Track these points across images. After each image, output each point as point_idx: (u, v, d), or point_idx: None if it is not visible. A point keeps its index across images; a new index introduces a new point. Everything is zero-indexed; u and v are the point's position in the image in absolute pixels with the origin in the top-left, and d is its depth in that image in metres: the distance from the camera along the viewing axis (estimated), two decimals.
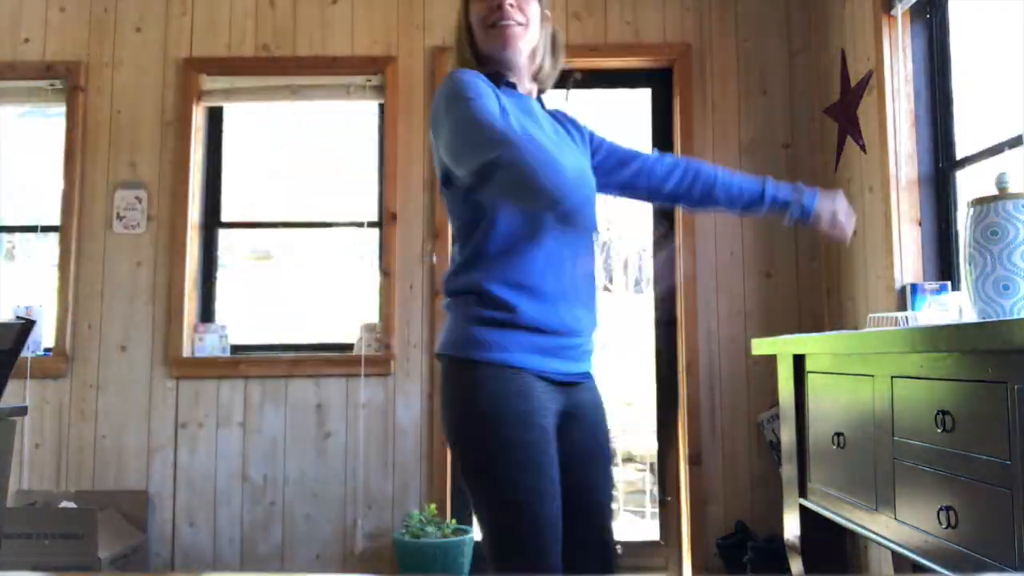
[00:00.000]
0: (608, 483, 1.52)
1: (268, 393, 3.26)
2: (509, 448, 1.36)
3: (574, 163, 1.50)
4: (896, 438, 1.65)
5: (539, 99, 1.63)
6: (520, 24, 1.50)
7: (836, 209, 1.60)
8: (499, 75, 1.54)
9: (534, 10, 1.53)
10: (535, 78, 1.60)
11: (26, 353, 3.15)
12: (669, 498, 3.34)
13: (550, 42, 1.60)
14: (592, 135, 1.67)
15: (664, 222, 3.43)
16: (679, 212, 3.32)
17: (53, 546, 2.74)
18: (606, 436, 1.54)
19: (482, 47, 1.53)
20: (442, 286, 1.52)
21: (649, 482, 4.11)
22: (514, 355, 1.40)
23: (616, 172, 1.66)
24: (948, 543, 1.45)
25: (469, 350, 1.41)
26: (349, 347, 3.36)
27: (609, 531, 1.50)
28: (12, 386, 3.13)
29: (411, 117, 3.34)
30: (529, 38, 1.53)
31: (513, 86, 1.56)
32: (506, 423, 1.36)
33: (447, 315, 1.51)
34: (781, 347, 2.22)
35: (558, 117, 1.65)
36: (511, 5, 1.49)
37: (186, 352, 3.27)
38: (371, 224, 3.43)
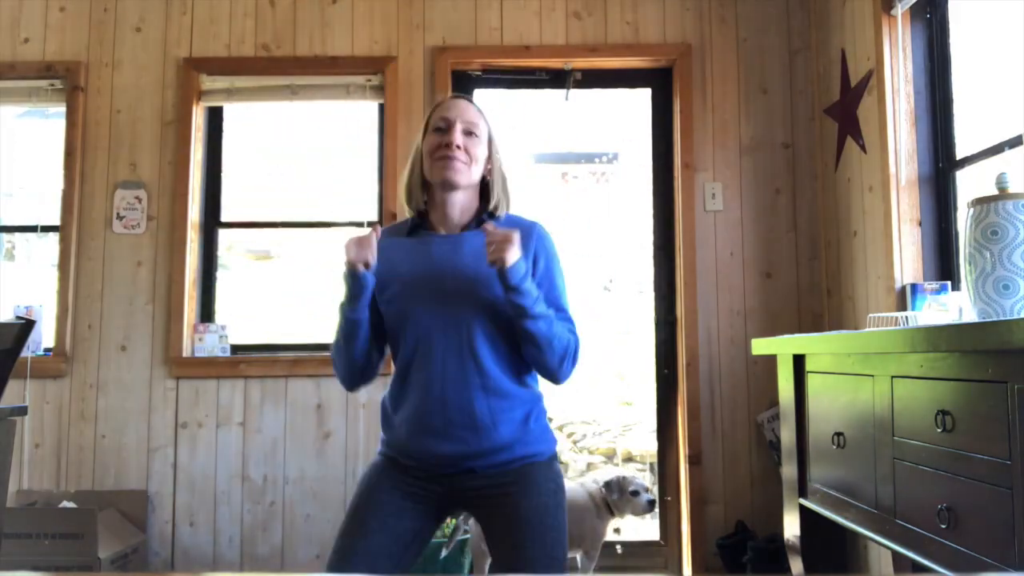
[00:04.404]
0: None
1: (268, 393, 3.26)
2: None
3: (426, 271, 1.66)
4: (896, 438, 1.65)
5: (484, 218, 1.71)
6: (463, 162, 1.66)
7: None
8: (423, 219, 1.73)
9: (481, 151, 1.69)
10: (491, 212, 1.72)
11: (26, 353, 3.15)
12: (669, 498, 3.34)
13: (502, 181, 1.74)
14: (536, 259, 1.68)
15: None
16: (679, 212, 3.32)
17: (53, 546, 2.74)
18: None
19: (427, 174, 1.70)
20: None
21: (649, 482, 4.11)
22: None
23: None
24: (948, 543, 1.45)
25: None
26: None
27: None
28: (12, 386, 3.13)
29: (411, 117, 3.34)
30: (471, 174, 1.68)
31: (423, 227, 1.72)
32: None
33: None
34: (781, 347, 2.22)
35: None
36: (458, 146, 1.65)
37: (186, 352, 3.27)
38: (371, 224, 3.43)
